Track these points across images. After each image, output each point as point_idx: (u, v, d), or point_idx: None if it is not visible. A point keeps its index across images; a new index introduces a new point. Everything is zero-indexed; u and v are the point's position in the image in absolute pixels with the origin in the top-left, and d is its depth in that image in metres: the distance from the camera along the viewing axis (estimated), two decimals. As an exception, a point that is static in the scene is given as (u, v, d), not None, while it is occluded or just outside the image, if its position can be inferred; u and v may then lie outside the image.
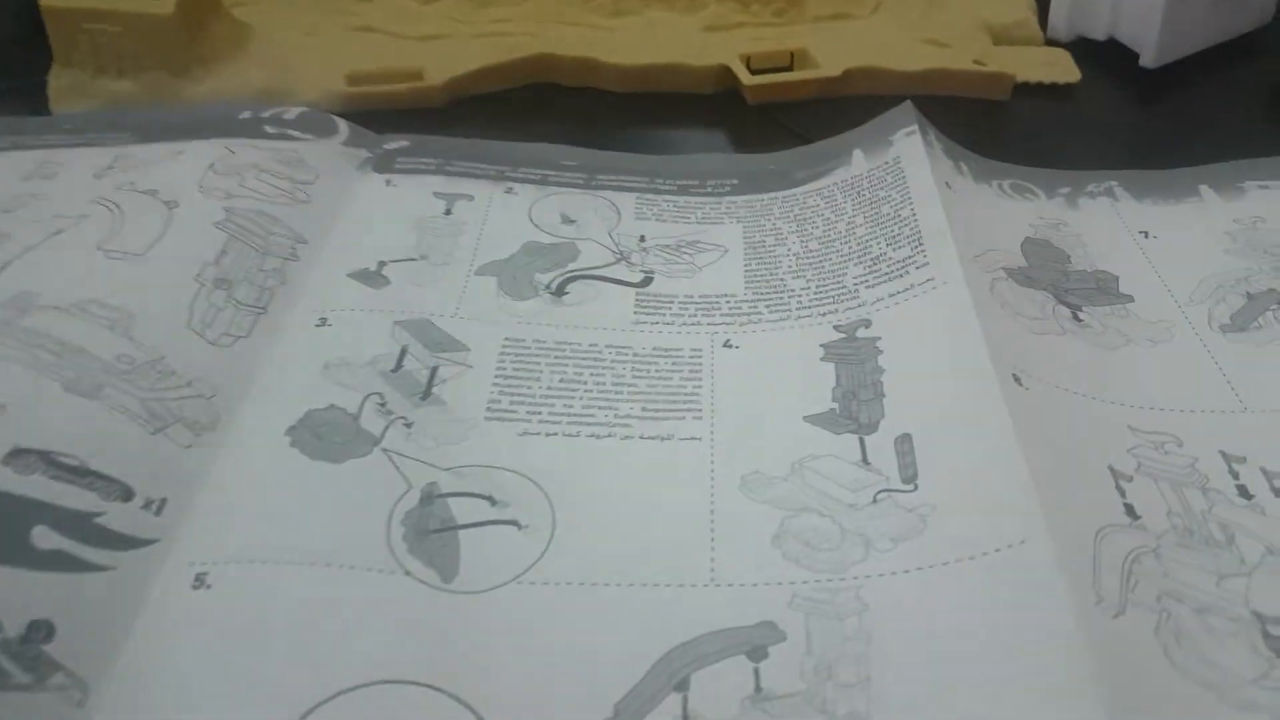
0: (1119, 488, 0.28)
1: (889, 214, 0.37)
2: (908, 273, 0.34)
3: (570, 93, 0.47)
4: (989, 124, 0.47)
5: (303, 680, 0.23)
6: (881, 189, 0.38)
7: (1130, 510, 0.27)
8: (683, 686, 0.24)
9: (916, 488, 0.28)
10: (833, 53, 0.48)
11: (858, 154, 0.40)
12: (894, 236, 0.36)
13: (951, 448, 0.28)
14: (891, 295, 0.34)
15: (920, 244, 0.35)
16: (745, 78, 0.46)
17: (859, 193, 0.38)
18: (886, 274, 0.34)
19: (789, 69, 0.48)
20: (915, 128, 0.40)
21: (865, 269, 0.35)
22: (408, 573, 0.26)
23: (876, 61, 0.48)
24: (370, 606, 0.25)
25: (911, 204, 0.37)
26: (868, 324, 0.33)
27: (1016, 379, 0.30)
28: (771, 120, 0.46)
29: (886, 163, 0.39)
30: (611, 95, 0.47)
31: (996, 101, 0.48)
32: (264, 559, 0.25)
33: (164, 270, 0.32)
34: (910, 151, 0.39)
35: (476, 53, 0.46)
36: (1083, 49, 0.51)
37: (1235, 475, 0.29)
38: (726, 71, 0.47)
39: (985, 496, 0.27)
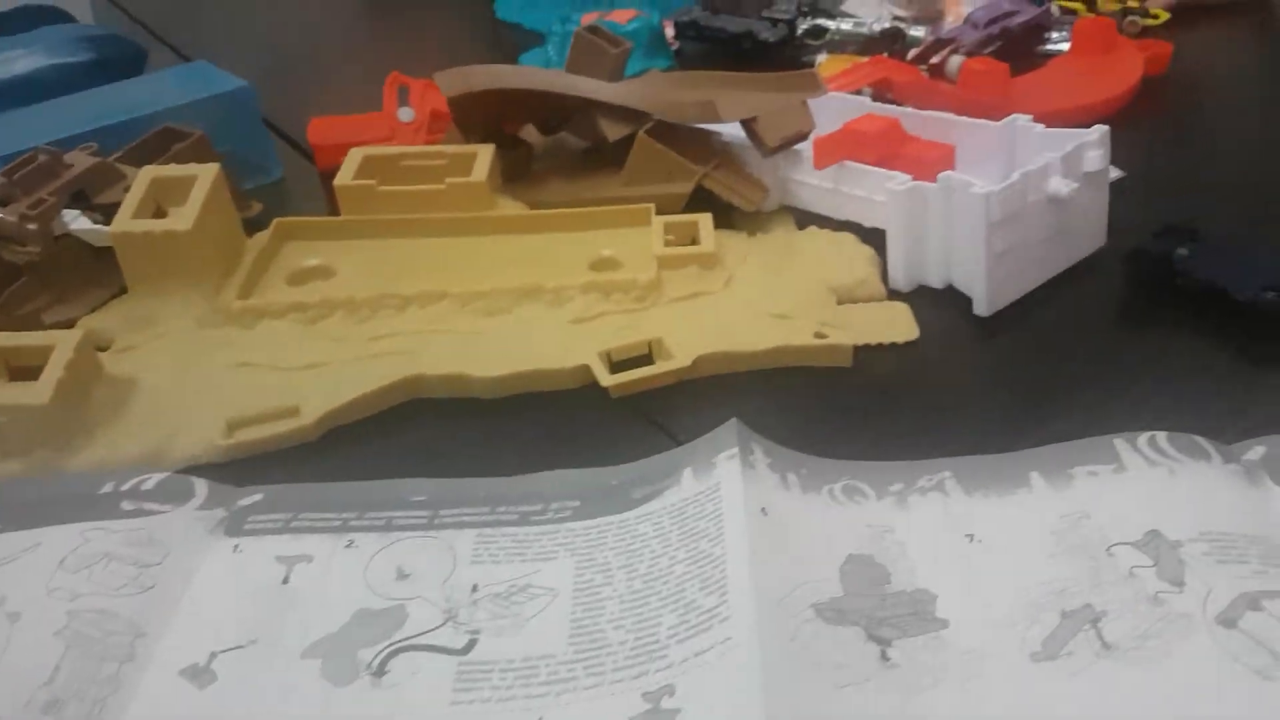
0: None
1: (704, 552, 0.34)
2: (711, 627, 0.31)
3: (444, 403, 0.45)
4: (836, 390, 0.44)
5: None
6: (701, 519, 0.35)
7: None
8: None
9: None
10: (687, 337, 0.46)
11: (687, 474, 0.37)
12: (706, 580, 0.33)
13: None
14: (696, 654, 0.30)
15: (725, 593, 0.32)
16: (604, 379, 0.44)
17: (683, 522, 0.35)
18: (695, 626, 0.31)
19: (649, 357, 0.46)
20: (736, 450, 0.37)
21: (678, 618, 0.32)
22: None
23: (725, 345, 0.45)
24: None
25: (723, 542, 0.33)
26: (672, 692, 0.29)
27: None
28: (633, 409, 0.44)
29: (709, 489, 0.36)
30: (484, 401, 0.45)
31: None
32: None
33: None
34: (729, 477, 0.36)
35: (350, 381, 0.44)
36: (925, 295, 0.49)
37: None
38: (589, 370, 0.45)
39: None
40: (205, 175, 0.49)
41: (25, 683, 0.31)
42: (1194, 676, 0.29)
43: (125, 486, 0.38)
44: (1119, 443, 0.37)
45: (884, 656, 0.30)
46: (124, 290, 0.50)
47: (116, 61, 0.73)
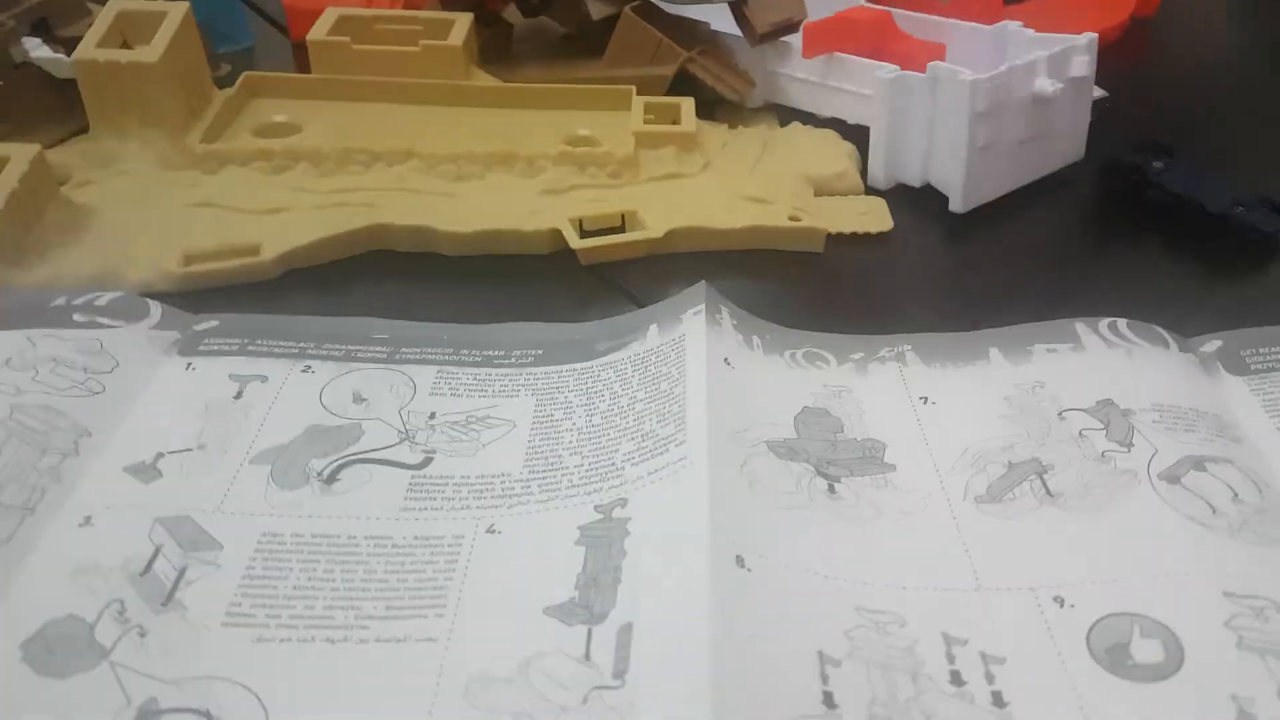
0: (823, 674, 0.26)
1: (665, 391, 0.35)
2: (667, 450, 0.32)
3: (407, 259, 0.46)
4: (807, 274, 0.46)
5: None
6: (664, 365, 0.36)
7: (828, 699, 0.25)
8: None
9: (624, 683, 0.25)
10: (661, 213, 0.47)
11: (653, 329, 0.38)
12: (664, 414, 0.34)
13: (661, 638, 0.26)
14: (650, 473, 0.31)
15: (683, 422, 0.33)
16: (574, 242, 0.45)
17: (646, 368, 0.36)
18: (650, 451, 0.32)
19: (621, 229, 0.46)
20: (702, 307, 0.38)
21: (635, 445, 0.33)
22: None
23: (698, 221, 0.46)
24: None
25: (685, 382, 0.35)
26: (624, 503, 0.31)
27: (739, 560, 0.28)
28: (602, 279, 0.45)
29: (673, 340, 0.37)
30: (448, 260, 0.46)
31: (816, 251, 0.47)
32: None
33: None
34: (694, 330, 0.37)
35: (312, 225, 0.45)
36: (902, 194, 0.50)
37: (951, 659, 0.26)
38: (559, 234, 0.45)
39: (675, 690, 0.25)
40: (175, 11, 0.49)
41: (-33, 466, 0.31)
42: (1133, 523, 0.30)
43: (78, 301, 0.39)
44: (1079, 325, 0.39)
45: (831, 490, 0.32)
46: (85, 129, 0.50)
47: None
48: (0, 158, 0.41)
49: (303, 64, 0.57)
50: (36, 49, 0.49)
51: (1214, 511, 0.30)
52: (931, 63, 0.47)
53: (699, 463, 0.31)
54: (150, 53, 0.47)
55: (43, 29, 0.50)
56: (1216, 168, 0.50)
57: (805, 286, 0.45)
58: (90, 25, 0.50)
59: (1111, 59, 0.58)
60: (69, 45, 0.50)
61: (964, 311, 0.43)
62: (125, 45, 0.49)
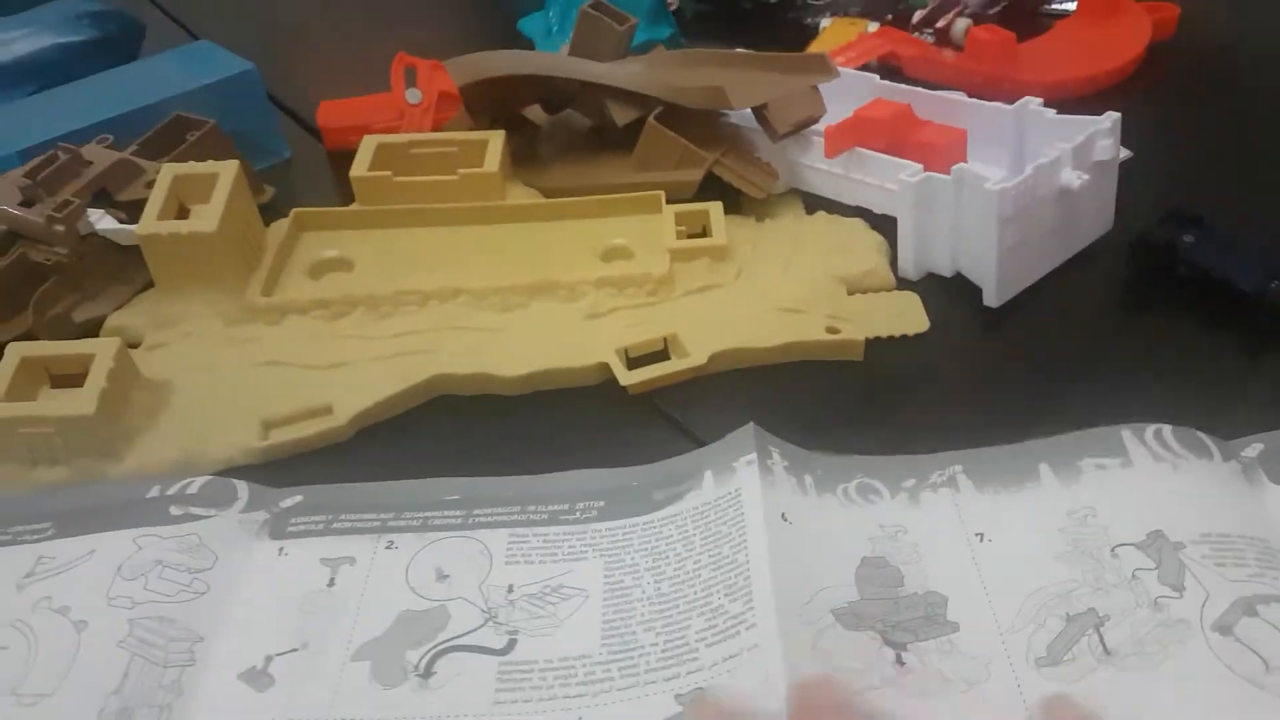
0: None
1: (728, 557, 0.36)
2: (739, 633, 0.34)
3: (465, 401, 0.48)
4: (848, 383, 0.47)
5: None
6: (723, 524, 0.38)
7: None
8: None
9: None
10: (700, 332, 0.48)
11: (708, 476, 0.40)
12: (731, 586, 0.35)
13: None
14: (725, 659, 0.33)
15: (750, 600, 0.34)
16: (623, 377, 0.47)
17: (706, 525, 0.38)
18: (723, 632, 0.34)
19: (665, 352, 0.48)
20: (754, 455, 0.39)
21: (706, 622, 0.35)
22: None
23: (738, 342, 0.48)
24: None
25: (746, 549, 0.36)
26: (703, 694, 0.32)
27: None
28: (650, 404, 0.47)
29: (729, 494, 0.39)
30: (505, 397, 0.48)
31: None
32: None
33: (70, 714, 0.33)
34: (749, 483, 0.38)
35: (378, 380, 0.47)
36: (934, 283, 0.51)
37: None
38: (607, 366, 0.47)
39: None
40: (227, 173, 0.51)
41: (97, 691, 0.34)
42: (1189, 684, 0.32)
43: (171, 491, 0.41)
44: (1126, 435, 0.39)
45: (899, 660, 0.33)
46: (149, 284, 0.52)
47: (117, 38, 0.74)
48: (85, 355, 0.44)
49: (339, 171, 0.58)
50: (100, 220, 0.51)
51: (1266, 668, 0.31)
52: (956, 167, 0.48)
53: (773, 652, 0.32)
54: (208, 221, 0.49)
55: (104, 197, 0.53)
56: (1252, 221, 0.50)
57: (848, 397, 0.46)
58: (147, 184, 0.53)
59: (1132, 93, 0.58)
60: (129, 208, 0.53)
61: (1009, 412, 0.44)
62: (182, 209, 0.51)
